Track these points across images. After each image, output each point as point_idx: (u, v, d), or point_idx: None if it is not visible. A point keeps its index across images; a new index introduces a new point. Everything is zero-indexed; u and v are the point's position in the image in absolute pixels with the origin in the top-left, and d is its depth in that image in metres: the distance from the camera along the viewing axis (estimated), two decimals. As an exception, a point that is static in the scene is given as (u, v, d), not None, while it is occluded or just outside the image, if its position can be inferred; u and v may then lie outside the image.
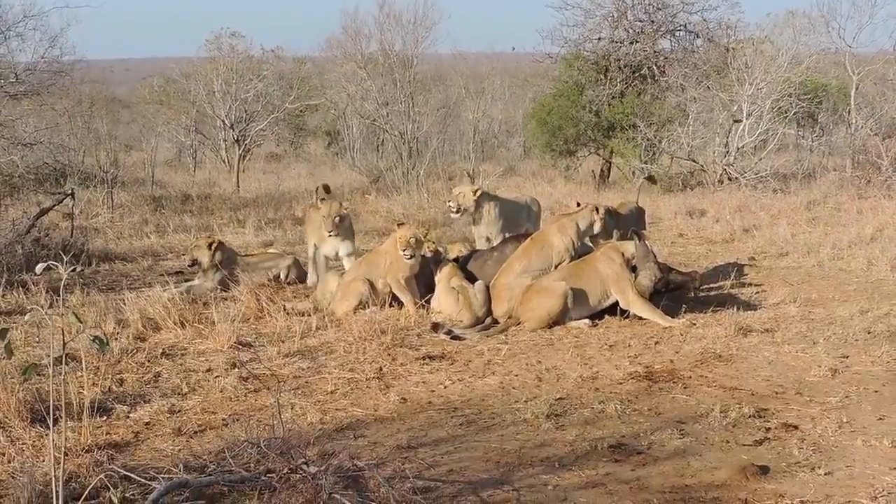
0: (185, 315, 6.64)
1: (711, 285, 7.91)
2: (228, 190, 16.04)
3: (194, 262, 8.14)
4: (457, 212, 8.43)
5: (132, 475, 3.78)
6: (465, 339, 6.35)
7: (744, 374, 5.48)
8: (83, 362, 5.31)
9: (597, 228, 7.35)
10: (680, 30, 17.58)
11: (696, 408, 4.85)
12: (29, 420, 4.54)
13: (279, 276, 8.33)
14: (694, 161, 15.99)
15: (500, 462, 4.13)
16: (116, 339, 6.08)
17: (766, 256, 9.55)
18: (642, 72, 17.22)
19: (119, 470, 3.85)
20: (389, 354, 5.91)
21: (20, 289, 7.49)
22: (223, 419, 4.72)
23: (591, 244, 7.58)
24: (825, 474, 3.97)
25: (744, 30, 17.46)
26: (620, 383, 5.31)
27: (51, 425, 3.45)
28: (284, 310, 6.96)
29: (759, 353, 5.87)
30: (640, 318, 6.66)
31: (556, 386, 5.27)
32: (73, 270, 3.36)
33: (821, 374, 5.39)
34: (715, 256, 9.64)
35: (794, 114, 16.47)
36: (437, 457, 4.18)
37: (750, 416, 4.66)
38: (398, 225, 7.39)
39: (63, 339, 3.12)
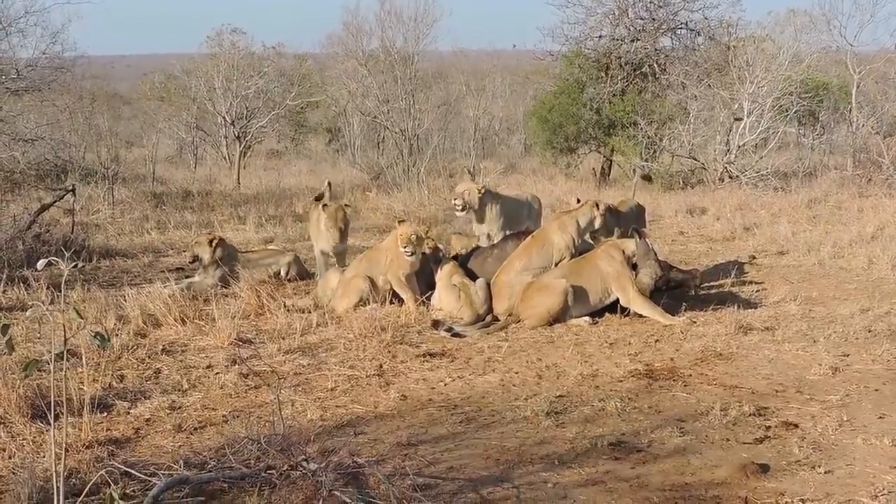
0: (185, 311, 6.65)
1: (712, 283, 7.91)
2: (229, 186, 16.04)
3: (195, 259, 8.16)
4: (462, 209, 8.43)
5: (132, 471, 3.79)
6: (465, 336, 6.35)
7: (744, 372, 5.48)
8: (84, 358, 5.33)
9: (597, 225, 7.37)
10: (681, 28, 17.56)
11: (697, 406, 4.85)
12: (30, 416, 4.54)
13: (280, 273, 8.33)
14: (695, 159, 15.98)
15: (500, 459, 4.13)
16: (117, 335, 6.08)
17: (767, 255, 9.54)
18: (643, 70, 17.21)
19: (119, 466, 3.86)
20: (390, 351, 5.92)
21: (21, 285, 7.48)
22: (223, 416, 4.73)
23: (591, 242, 7.58)
24: (825, 473, 3.97)
25: (745, 28, 17.46)
26: (621, 381, 5.31)
27: (51, 421, 3.45)
28: (285, 306, 6.97)
29: (759, 352, 5.87)
30: (641, 316, 6.66)
31: (556, 383, 5.27)
32: (74, 266, 3.36)
33: (821, 373, 5.39)
34: (715, 254, 9.63)
35: (794, 112, 16.43)
36: (437, 454, 4.18)
37: (750, 415, 4.66)
38: (399, 222, 7.39)
39: (64, 335, 3.12)
